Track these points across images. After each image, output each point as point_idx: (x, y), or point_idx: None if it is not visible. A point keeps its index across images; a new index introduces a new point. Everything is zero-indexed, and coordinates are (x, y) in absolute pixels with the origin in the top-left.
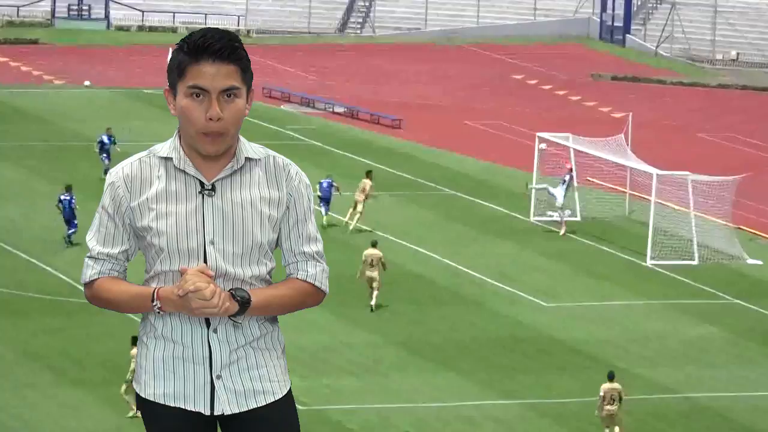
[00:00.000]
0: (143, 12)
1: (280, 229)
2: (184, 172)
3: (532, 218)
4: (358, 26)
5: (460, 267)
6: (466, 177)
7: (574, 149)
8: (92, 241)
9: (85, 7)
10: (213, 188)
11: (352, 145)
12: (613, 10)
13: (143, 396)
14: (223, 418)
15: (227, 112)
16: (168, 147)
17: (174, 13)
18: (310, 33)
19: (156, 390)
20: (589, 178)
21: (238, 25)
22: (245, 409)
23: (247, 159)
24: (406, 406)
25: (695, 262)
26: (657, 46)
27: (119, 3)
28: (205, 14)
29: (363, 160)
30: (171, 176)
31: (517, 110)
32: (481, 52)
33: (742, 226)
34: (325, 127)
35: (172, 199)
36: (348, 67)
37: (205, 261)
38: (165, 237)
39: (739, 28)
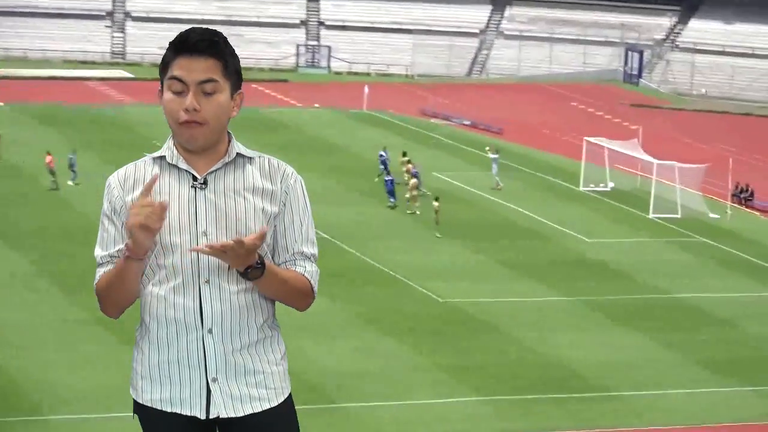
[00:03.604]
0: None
1: (275, 226)
2: (177, 167)
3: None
4: (478, 71)
5: None
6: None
7: (608, 148)
8: (97, 249)
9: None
10: (205, 182)
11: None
12: (632, 63)
13: (140, 401)
14: (221, 423)
15: (206, 105)
16: (163, 148)
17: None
18: (448, 75)
19: (152, 395)
20: (616, 165)
21: (406, 71)
22: (241, 414)
23: (239, 155)
24: None
25: (678, 215)
26: (658, 86)
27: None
28: (387, 65)
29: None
30: (164, 172)
31: (572, 123)
32: (548, 87)
33: (706, 195)
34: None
35: (164, 193)
36: (472, 97)
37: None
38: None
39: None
